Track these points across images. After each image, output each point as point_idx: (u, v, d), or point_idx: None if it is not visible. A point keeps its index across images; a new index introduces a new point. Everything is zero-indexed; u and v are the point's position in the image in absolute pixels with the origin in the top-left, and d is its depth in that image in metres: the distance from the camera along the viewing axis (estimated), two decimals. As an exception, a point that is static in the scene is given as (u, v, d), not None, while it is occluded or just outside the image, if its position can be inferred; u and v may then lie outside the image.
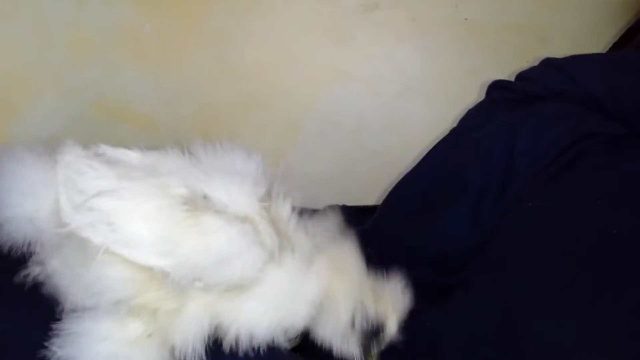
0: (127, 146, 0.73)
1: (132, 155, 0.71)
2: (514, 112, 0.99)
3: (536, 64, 1.05)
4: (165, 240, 0.62)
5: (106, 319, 0.65)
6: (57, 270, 0.68)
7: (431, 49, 1.49)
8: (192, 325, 0.66)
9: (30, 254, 0.70)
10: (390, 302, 0.75)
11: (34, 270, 0.70)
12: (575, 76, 0.93)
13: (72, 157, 0.68)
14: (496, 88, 1.06)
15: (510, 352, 0.78)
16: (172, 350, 0.67)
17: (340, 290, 0.72)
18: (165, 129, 1.50)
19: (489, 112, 1.05)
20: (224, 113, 1.54)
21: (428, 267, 1.00)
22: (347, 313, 0.72)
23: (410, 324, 0.90)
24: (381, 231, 1.10)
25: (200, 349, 0.67)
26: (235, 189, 0.66)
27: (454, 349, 0.86)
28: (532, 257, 0.83)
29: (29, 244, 0.69)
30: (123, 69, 1.47)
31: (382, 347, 0.75)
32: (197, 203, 0.64)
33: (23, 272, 0.70)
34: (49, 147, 0.71)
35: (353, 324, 0.72)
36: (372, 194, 1.45)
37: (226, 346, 0.69)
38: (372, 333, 0.73)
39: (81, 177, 0.66)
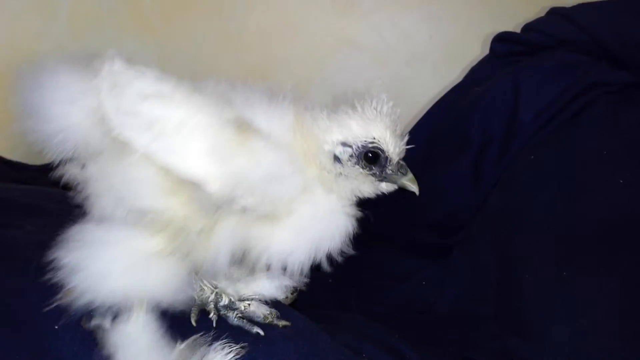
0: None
1: (171, 78, 0.68)
2: (518, 64, 0.96)
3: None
4: (215, 152, 0.60)
5: (128, 228, 0.64)
6: (94, 176, 0.67)
7: (438, 16, 1.45)
8: (221, 247, 0.64)
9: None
10: None
11: (70, 169, 0.69)
12: (583, 23, 0.90)
13: (119, 66, 0.65)
14: (500, 41, 1.03)
15: (506, 307, 0.75)
16: (190, 269, 0.66)
17: None
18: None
19: (492, 65, 1.02)
20: (227, 83, 1.52)
21: (427, 227, 0.97)
22: None
23: (407, 283, 0.88)
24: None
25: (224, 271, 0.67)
26: (277, 120, 0.66)
27: (450, 304, 0.84)
28: (534, 209, 0.80)
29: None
30: (125, 40, 1.46)
31: None
32: (245, 125, 0.63)
33: (59, 172, 0.69)
34: (80, 59, 0.69)
35: None
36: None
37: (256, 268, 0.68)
38: None
39: (133, 81, 0.64)
